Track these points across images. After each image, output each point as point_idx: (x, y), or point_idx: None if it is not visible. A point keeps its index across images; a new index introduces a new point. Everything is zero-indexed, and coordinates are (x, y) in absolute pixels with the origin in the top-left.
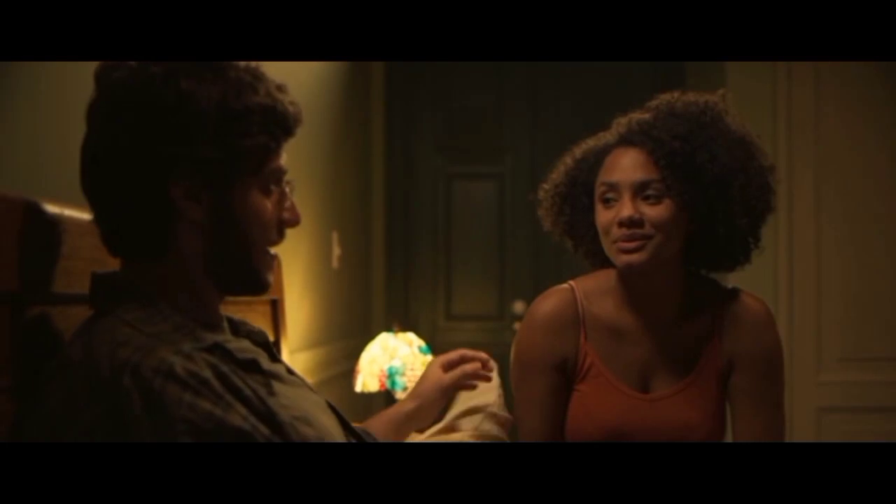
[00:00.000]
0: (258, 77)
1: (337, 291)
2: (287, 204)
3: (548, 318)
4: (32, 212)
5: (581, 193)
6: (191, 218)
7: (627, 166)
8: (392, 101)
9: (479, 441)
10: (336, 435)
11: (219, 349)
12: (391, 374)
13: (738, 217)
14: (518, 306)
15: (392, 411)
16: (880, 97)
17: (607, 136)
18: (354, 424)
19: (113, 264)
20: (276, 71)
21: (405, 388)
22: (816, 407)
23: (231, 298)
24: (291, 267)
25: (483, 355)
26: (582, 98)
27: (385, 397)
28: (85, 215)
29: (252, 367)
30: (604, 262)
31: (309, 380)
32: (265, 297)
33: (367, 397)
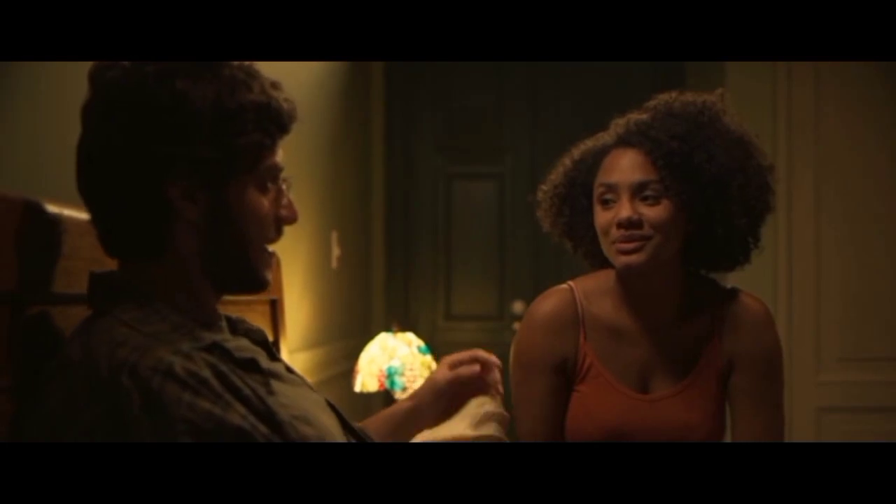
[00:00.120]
0: (252, 75)
1: (336, 291)
2: (284, 201)
3: (547, 319)
4: (32, 212)
5: (580, 194)
6: (187, 217)
7: (625, 167)
8: (392, 101)
9: (478, 441)
10: (336, 434)
11: (217, 348)
12: (390, 374)
13: (736, 217)
14: (518, 306)
15: (389, 411)
16: (880, 97)
17: (605, 137)
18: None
19: (113, 264)
20: (276, 71)
21: (404, 388)
22: (816, 407)
23: (231, 298)
24: (291, 267)
25: (492, 359)
26: (582, 98)
27: (384, 397)
28: (84, 215)
29: (251, 366)
30: (603, 263)
31: (308, 380)
32: (264, 297)
33: (366, 397)
